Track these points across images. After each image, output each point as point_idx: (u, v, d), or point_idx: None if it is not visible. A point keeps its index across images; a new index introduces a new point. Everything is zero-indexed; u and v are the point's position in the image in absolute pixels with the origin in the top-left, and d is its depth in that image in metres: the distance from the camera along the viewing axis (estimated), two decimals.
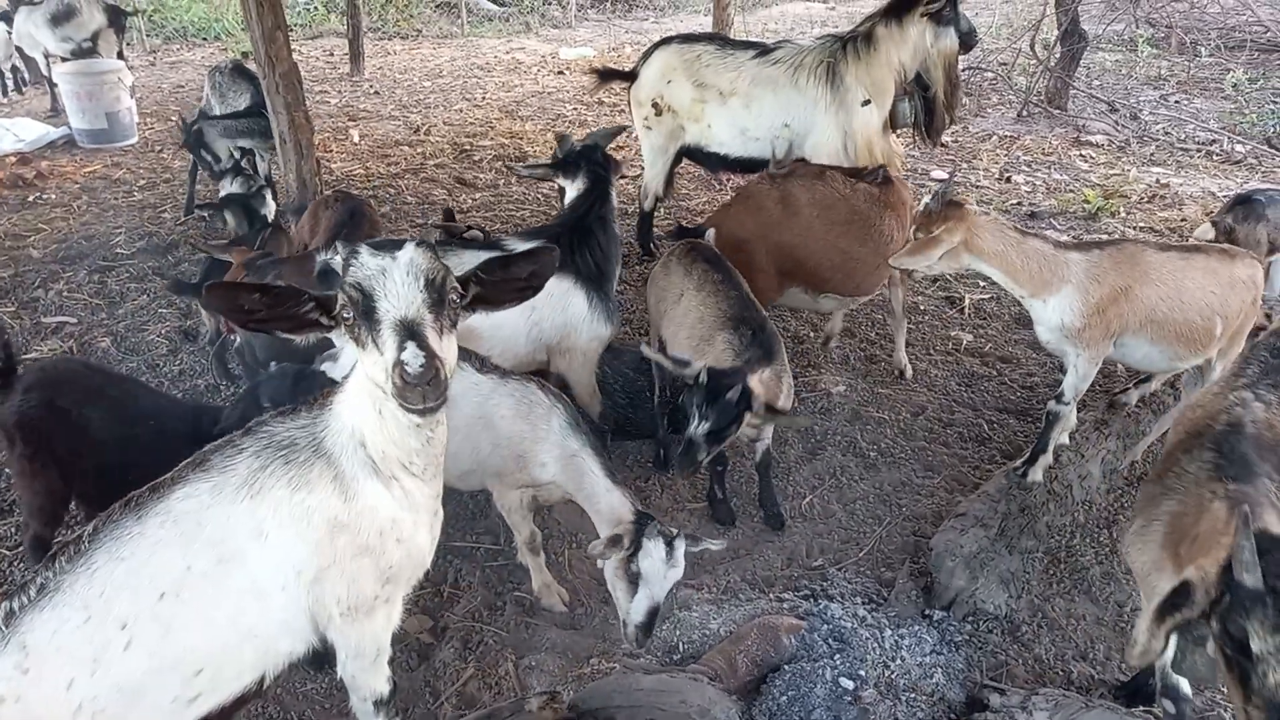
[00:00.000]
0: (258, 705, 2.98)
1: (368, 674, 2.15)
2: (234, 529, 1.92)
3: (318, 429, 2.02)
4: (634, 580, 3.01)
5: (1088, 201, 7.46)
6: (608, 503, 3.12)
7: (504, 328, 3.74)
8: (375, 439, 1.98)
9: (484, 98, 11.58)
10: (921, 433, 4.52)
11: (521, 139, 9.64)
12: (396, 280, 1.78)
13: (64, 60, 9.83)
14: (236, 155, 6.49)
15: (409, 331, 1.73)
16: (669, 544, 2.99)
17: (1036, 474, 3.78)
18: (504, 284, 1.97)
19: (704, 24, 15.49)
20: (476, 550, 3.81)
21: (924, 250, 3.39)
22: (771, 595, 3.48)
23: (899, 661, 3.10)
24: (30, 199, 7.80)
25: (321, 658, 2.19)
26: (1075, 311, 3.46)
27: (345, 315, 1.79)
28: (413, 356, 1.70)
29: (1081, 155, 8.89)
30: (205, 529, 1.90)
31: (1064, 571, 3.59)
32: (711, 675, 2.94)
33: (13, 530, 3.89)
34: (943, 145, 9.14)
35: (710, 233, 4.31)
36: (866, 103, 5.68)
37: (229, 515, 1.92)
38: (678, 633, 3.35)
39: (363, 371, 1.88)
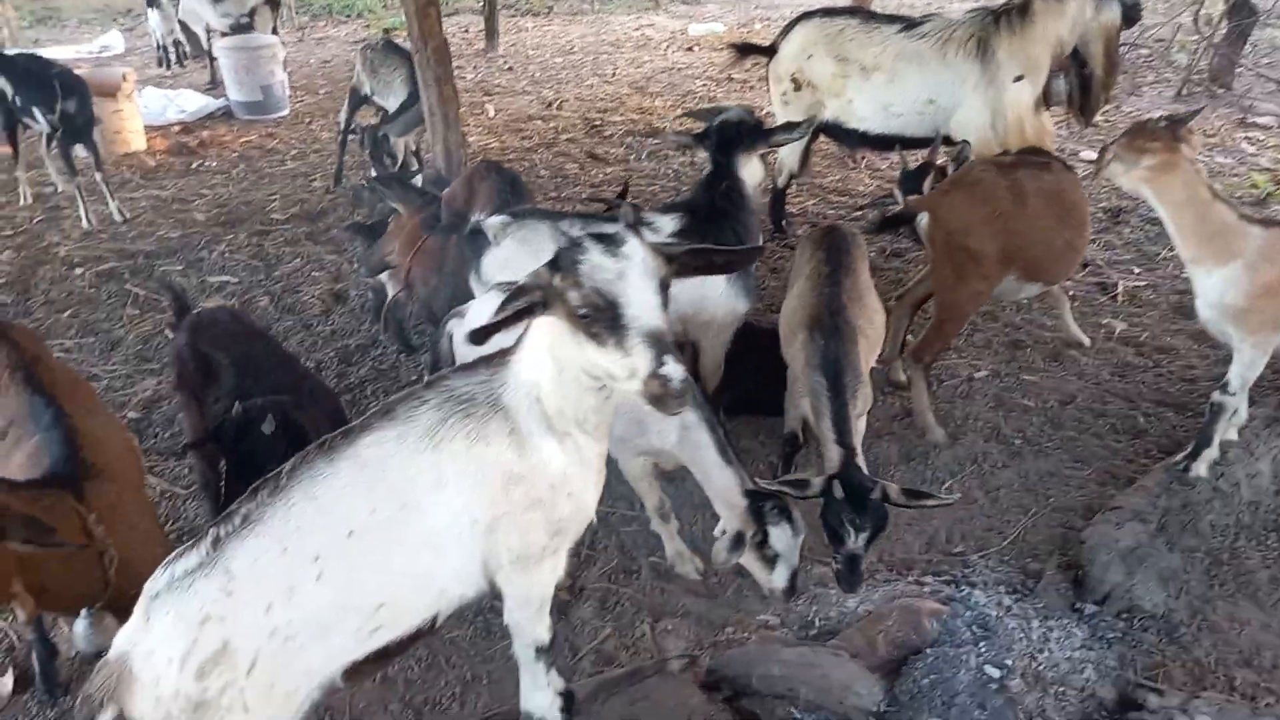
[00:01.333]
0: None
1: (532, 621, 2.23)
2: (415, 478, 2.02)
3: (495, 385, 2.09)
4: (770, 560, 3.04)
5: (1255, 187, 6.97)
6: (720, 480, 3.09)
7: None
8: (553, 398, 2.04)
9: (614, 73, 11.65)
10: (1071, 422, 4.34)
11: (651, 114, 9.67)
12: (635, 285, 1.84)
13: (223, 35, 10.38)
14: (413, 148, 6.76)
15: (662, 344, 1.81)
16: (789, 516, 3.01)
17: (1200, 469, 3.58)
18: (698, 269, 2.01)
19: None
20: (612, 515, 3.88)
21: (1125, 157, 3.32)
22: (910, 578, 3.43)
23: (1047, 654, 3.01)
24: (193, 166, 8.31)
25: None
26: (1240, 290, 3.25)
27: (582, 314, 1.85)
28: (674, 372, 1.79)
29: (1248, 138, 8.29)
30: (389, 475, 2.01)
31: (1227, 574, 3.39)
32: (852, 653, 2.92)
33: (186, 470, 4.18)
34: (1093, 125, 8.70)
35: (924, 218, 4.21)
36: (1019, 79, 5.45)
37: (411, 464, 2.02)
38: (814, 608, 3.34)
39: (575, 353, 1.91)
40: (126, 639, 1.86)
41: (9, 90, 6.56)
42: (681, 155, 8.36)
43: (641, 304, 1.83)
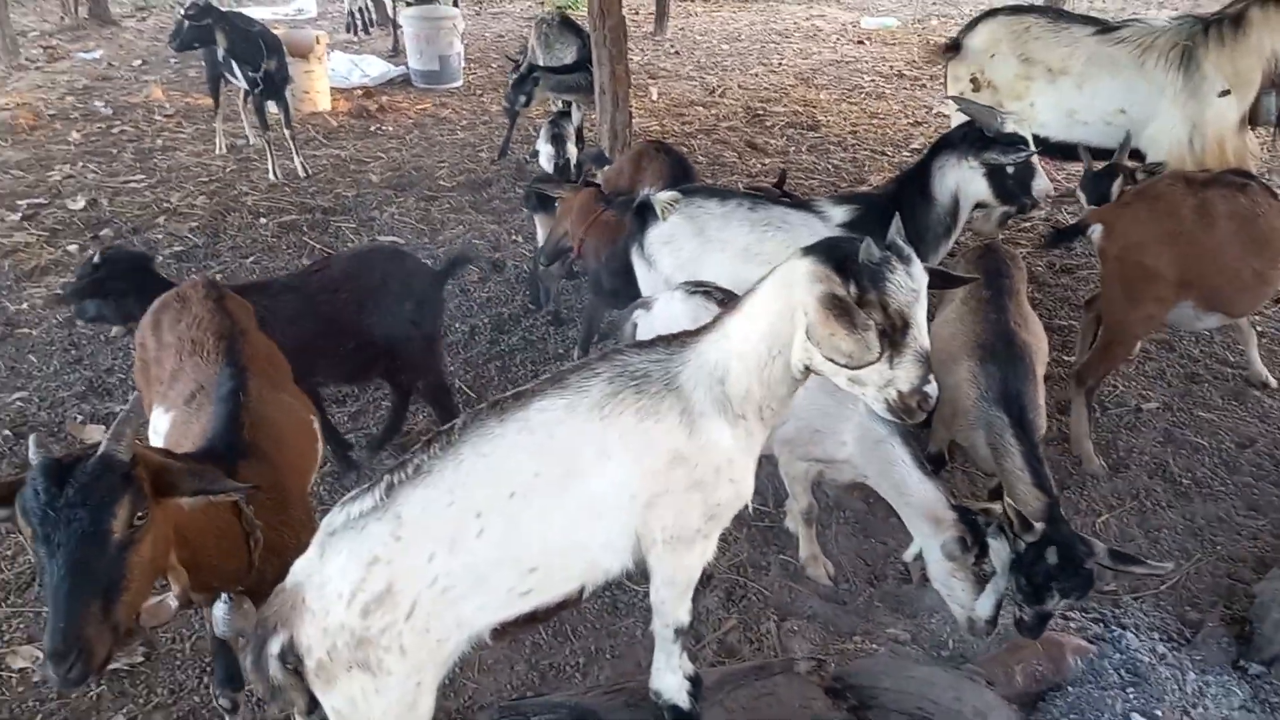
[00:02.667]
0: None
1: (676, 602, 2.24)
2: (581, 447, 2.07)
3: (674, 364, 2.13)
4: (982, 580, 2.90)
5: None
6: (921, 495, 2.97)
7: None
8: (744, 379, 2.08)
9: (780, 63, 11.52)
10: (1248, 466, 4.03)
11: (815, 107, 9.52)
12: (921, 310, 1.96)
13: (408, 5, 10.84)
14: (563, 106, 6.90)
15: (929, 364, 1.95)
16: (1006, 536, 2.87)
17: None
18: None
19: None
20: (745, 508, 3.86)
21: None
22: (1059, 613, 3.26)
23: (1201, 710, 2.82)
24: (371, 129, 8.74)
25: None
26: None
27: (881, 330, 1.95)
28: (934, 390, 1.95)
29: None
30: (556, 441, 2.06)
31: None
32: (987, 680, 2.82)
33: (345, 419, 4.43)
34: None
35: (1097, 229, 4.02)
36: (1225, 93, 5.06)
37: (579, 433, 2.07)
38: (947, 629, 3.24)
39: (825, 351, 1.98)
40: (302, 569, 1.98)
41: (221, 47, 7.03)
42: (842, 151, 8.21)
43: (923, 325, 1.96)
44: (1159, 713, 2.75)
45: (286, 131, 7.36)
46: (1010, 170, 3.67)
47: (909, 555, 3.21)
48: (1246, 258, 3.95)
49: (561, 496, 2.05)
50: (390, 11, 11.76)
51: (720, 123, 9.05)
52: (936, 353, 3.51)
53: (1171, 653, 3.04)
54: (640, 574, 2.25)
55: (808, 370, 2.05)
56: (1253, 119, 5.22)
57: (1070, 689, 2.82)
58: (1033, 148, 3.78)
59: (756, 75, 10.95)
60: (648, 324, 3.30)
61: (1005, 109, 3.87)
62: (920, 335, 1.95)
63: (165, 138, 8.36)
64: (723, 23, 14.05)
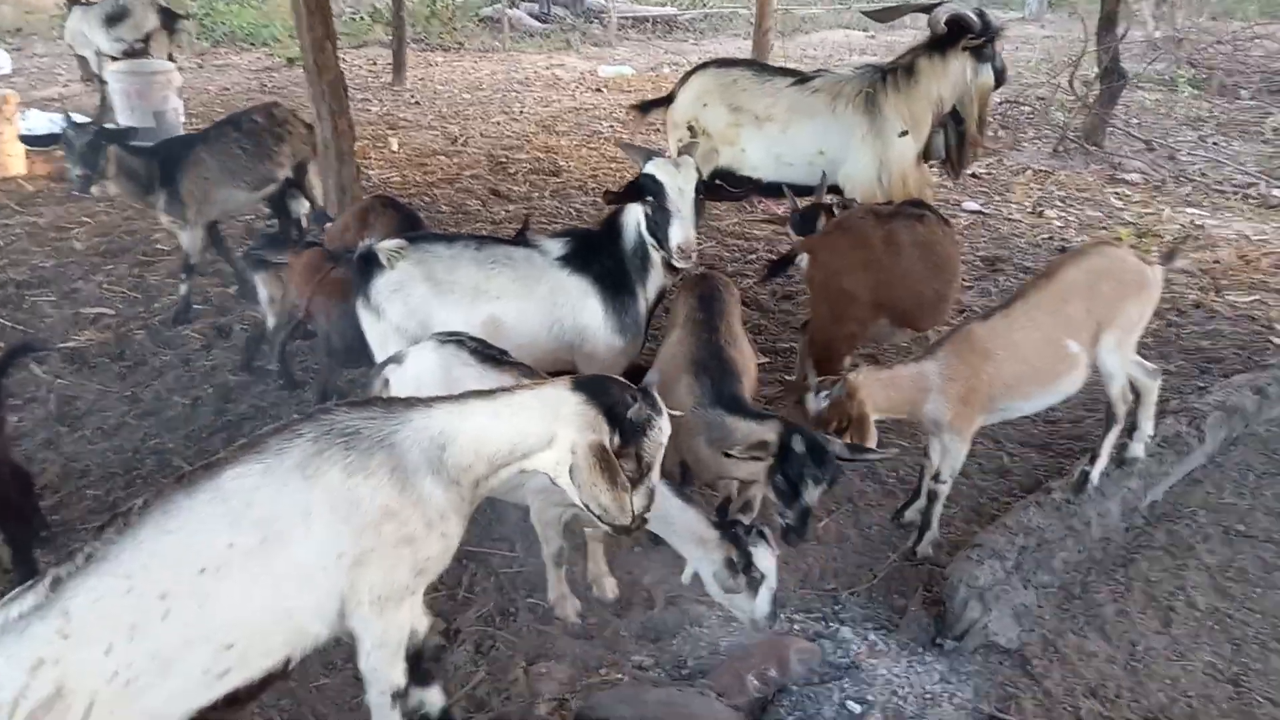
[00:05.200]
0: (273, 697, 3.03)
1: (390, 664, 2.20)
2: (282, 509, 1.99)
3: (391, 423, 2.12)
4: (755, 586, 3.05)
5: (1119, 239, 7.43)
6: (683, 522, 3.09)
7: (527, 322, 3.82)
8: (469, 456, 2.17)
9: (522, 111, 11.75)
10: None
11: (557, 153, 9.77)
12: (660, 453, 2.32)
13: (114, 60, 10.08)
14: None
15: (653, 497, 2.33)
16: (765, 539, 3.06)
17: (926, 549, 3.87)
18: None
19: (743, 47, 15.62)
20: (492, 556, 3.85)
21: (867, 429, 3.41)
22: (784, 616, 3.49)
23: (907, 688, 3.10)
24: (74, 192, 7.98)
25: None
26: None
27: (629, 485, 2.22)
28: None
29: (1116, 193, 8.86)
30: (253, 508, 1.97)
31: (1078, 608, 3.57)
32: (719, 692, 2.96)
33: None
34: (975, 177, 9.16)
35: (804, 258, 4.36)
36: (904, 134, 5.71)
37: (279, 495, 1.99)
38: (687, 647, 3.37)
39: (571, 471, 2.17)
40: None
41: None
42: (584, 195, 8.46)
43: (658, 467, 2.20)
44: (870, 697, 3.00)
45: None
46: (649, 213, 3.73)
47: (686, 578, 3.38)
48: (928, 279, 4.47)
49: (261, 565, 1.97)
50: (95, 67, 10.87)
51: (463, 171, 9.07)
52: (662, 374, 3.75)
53: (881, 640, 3.33)
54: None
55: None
56: (926, 154, 5.91)
57: (794, 688, 3.01)
58: (673, 188, 3.66)
59: (499, 123, 11.10)
60: (399, 377, 3.24)
61: (690, 151, 4.01)
62: (655, 475, 2.21)
63: None
64: (464, 72, 14.14)
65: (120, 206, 7.65)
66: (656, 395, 2.25)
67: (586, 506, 2.14)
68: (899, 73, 5.75)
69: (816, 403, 3.39)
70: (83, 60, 11.28)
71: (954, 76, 5.57)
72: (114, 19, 10.19)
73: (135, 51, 10.13)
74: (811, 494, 3.17)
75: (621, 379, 2.27)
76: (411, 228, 4.73)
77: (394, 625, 2.17)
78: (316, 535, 2.03)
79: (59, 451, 4.44)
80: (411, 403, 2.24)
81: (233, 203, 6.04)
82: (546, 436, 2.14)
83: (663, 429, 2.19)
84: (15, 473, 3.68)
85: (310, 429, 2.10)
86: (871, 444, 3.38)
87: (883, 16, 6.51)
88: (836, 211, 5.21)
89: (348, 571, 2.07)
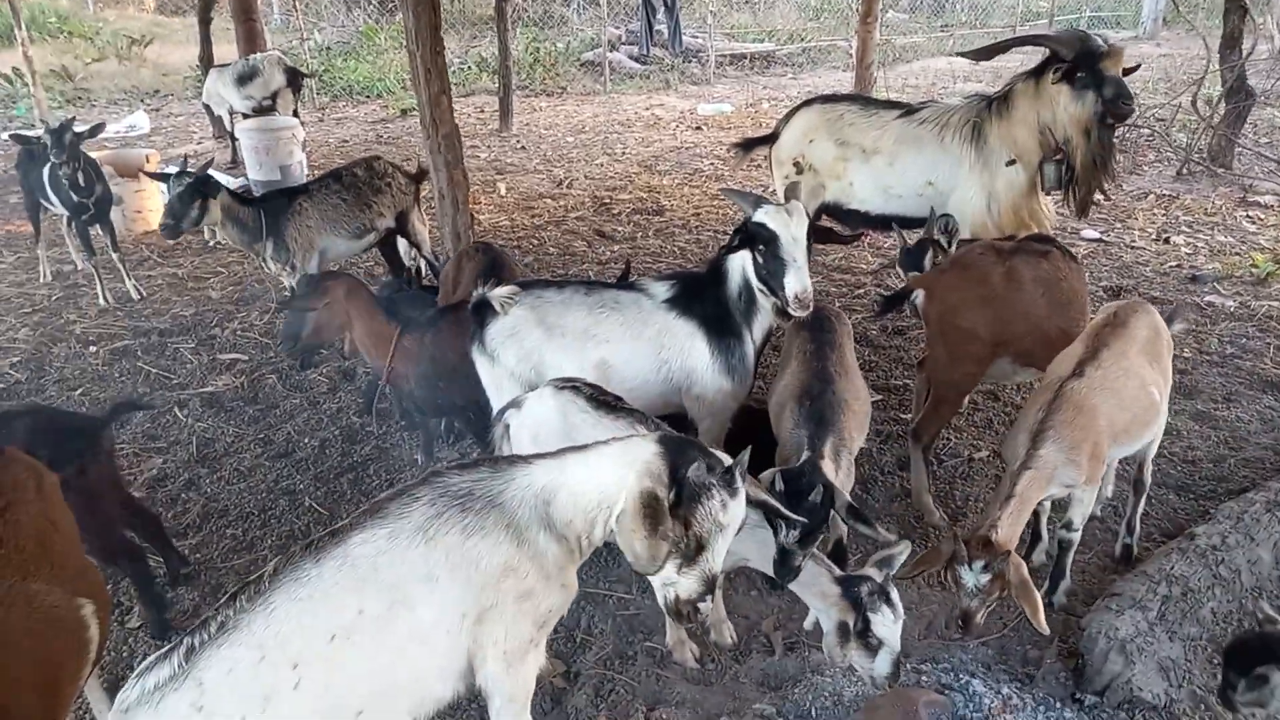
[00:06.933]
0: None
1: (519, 718, 2.22)
2: (407, 573, 2.04)
3: (497, 483, 2.17)
4: (873, 649, 2.92)
5: (1256, 266, 7.03)
6: (805, 571, 3.02)
7: (636, 364, 3.86)
8: (569, 510, 2.20)
9: (624, 152, 11.94)
10: None
11: (659, 193, 9.88)
12: (722, 540, 2.23)
13: (245, 117, 10.73)
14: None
15: (711, 586, 2.23)
16: (889, 599, 2.89)
17: (1060, 598, 3.72)
18: None
19: (843, 80, 15.54)
20: (609, 598, 3.87)
21: (1031, 594, 3.05)
22: (908, 666, 3.38)
23: None
24: (210, 244, 8.51)
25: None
26: None
27: (678, 544, 2.20)
28: (708, 608, 2.28)
29: (1249, 216, 8.39)
30: (380, 573, 2.02)
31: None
32: None
33: (186, 550, 4.20)
34: (1094, 204, 8.81)
35: (919, 295, 4.31)
36: (1011, 163, 5.55)
37: (403, 559, 2.04)
38: (809, 696, 3.29)
39: (628, 529, 2.17)
40: None
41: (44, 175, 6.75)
42: (687, 233, 8.52)
43: (718, 556, 2.13)
44: None
45: (114, 254, 7.08)
46: (760, 260, 3.67)
47: (808, 624, 3.31)
48: (1052, 316, 4.30)
49: (388, 629, 2.01)
50: (228, 124, 11.59)
51: (569, 213, 9.26)
52: (776, 407, 3.73)
53: (1016, 693, 3.18)
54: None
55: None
56: (1043, 184, 5.72)
57: None
58: (786, 237, 3.56)
59: (601, 165, 11.30)
60: (519, 422, 3.32)
61: (790, 194, 4.00)
62: (713, 561, 2.14)
63: None
64: (567, 116, 14.48)
65: (251, 257, 8.10)
66: (739, 475, 2.18)
67: (624, 550, 2.15)
68: (1001, 99, 5.62)
69: (974, 578, 3.05)
70: (217, 119, 12.03)
71: (1051, 104, 5.33)
72: (245, 78, 10.85)
73: (264, 109, 10.74)
74: (785, 538, 2.96)
75: (711, 450, 2.23)
76: (495, 267, 4.82)
77: (521, 680, 2.20)
78: (440, 597, 2.07)
79: (200, 492, 4.69)
80: (514, 460, 2.30)
81: (335, 251, 6.37)
82: (620, 483, 2.16)
83: (724, 506, 2.10)
84: (139, 514, 3.88)
85: (427, 492, 2.16)
86: (1039, 606, 3.02)
87: (978, 56, 6.30)
88: (945, 246, 5.10)
89: (472, 630, 2.11)
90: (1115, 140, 5.63)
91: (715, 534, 2.10)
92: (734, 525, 2.14)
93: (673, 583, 2.14)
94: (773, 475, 3.09)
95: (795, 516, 2.85)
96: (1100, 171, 5.48)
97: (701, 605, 2.16)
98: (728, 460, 2.22)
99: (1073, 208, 5.71)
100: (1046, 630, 3.01)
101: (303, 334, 4.54)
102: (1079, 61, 5.14)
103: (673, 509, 2.08)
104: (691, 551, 2.10)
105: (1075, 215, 5.78)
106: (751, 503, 2.62)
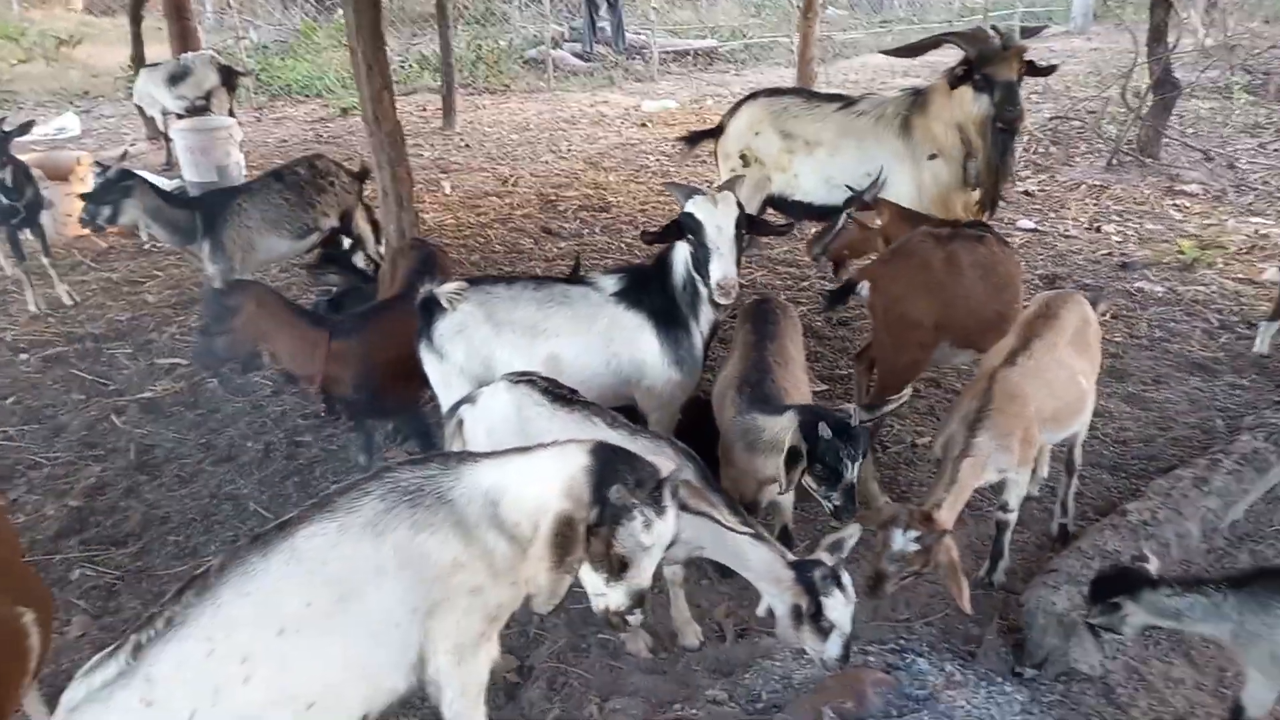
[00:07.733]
0: None
1: (473, 712, 2.23)
2: (356, 566, 2.03)
3: (447, 479, 2.17)
4: (825, 631, 2.94)
5: (1182, 252, 7.28)
6: (757, 558, 3.03)
7: (586, 358, 3.88)
8: (516, 513, 2.19)
9: (569, 150, 11.92)
10: None
11: (605, 189, 9.89)
12: (649, 559, 2.24)
13: (179, 117, 10.49)
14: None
15: (640, 599, 2.24)
16: (840, 583, 2.92)
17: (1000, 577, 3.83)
18: None
19: (784, 75, 15.69)
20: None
21: (958, 574, 3.15)
22: (856, 648, 3.45)
23: (988, 719, 3.04)
24: (145, 247, 8.30)
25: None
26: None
27: (598, 558, 2.25)
28: (637, 620, 2.28)
29: (1175, 205, 8.69)
30: (328, 566, 2.02)
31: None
32: None
33: (125, 560, 4.11)
34: (1028, 194, 9.06)
35: (865, 286, 4.39)
36: (933, 157, 5.67)
37: (353, 553, 2.04)
38: (760, 681, 3.35)
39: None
40: None
41: None
42: (634, 229, 8.55)
43: (647, 570, 2.13)
44: None
45: (45, 259, 6.88)
46: (692, 250, 3.71)
47: (761, 611, 3.32)
48: (989, 300, 4.43)
49: (337, 622, 2.01)
50: (161, 125, 11.32)
51: (515, 211, 9.23)
52: (716, 397, 3.81)
53: (959, 670, 3.27)
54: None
55: None
56: (966, 179, 5.80)
57: None
58: (711, 226, 3.60)
59: (547, 162, 11.27)
60: (473, 417, 3.30)
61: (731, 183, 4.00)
62: (640, 578, 2.14)
63: None
64: (511, 114, 14.40)
65: (189, 259, 7.92)
66: (669, 493, 2.14)
67: (528, 584, 2.19)
68: (923, 95, 5.74)
69: (903, 543, 3.13)
70: (150, 120, 11.74)
71: (958, 103, 5.38)
72: (177, 78, 10.61)
73: (197, 109, 10.51)
74: (851, 472, 3.18)
75: (647, 460, 2.19)
76: (428, 263, 4.76)
77: (473, 672, 2.21)
78: (390, 590, 2.07)
79: (140, 499, 4.59)
80: (464, 458, 2.29)
81: (276, 251, 6.27)
82: (553, 496, 2.14)
83: (648, 527, 2.06)
84: None
85: (376, 487, 2.16)
86: (964, 588, 3.15)
87: (901, 54, 6.39)
88: (850, 221, 5.12)
89: (422, 623, 2.11)
90: (1014, 144, 5.60)
91: (639, 554, 2.08)
92: (660, 544, 2.12)
93: (602, 594, 2.17)
94: (811, 425, 3.19)
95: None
96: (994, 174, 5.52)
97: (630, 618, 2.20)
98: (664, 471, 2.18)
99: (983, 207, 5.78)
100: (969, 610, 3.12)
101: (217, 356, 4.27)
102: (976, 62, 5.17)
103: (594, 528, 2.07)
104: (616, 569, 2.10)
105: (985, 212, 5.78)
106: (691, 513, 2.69)
